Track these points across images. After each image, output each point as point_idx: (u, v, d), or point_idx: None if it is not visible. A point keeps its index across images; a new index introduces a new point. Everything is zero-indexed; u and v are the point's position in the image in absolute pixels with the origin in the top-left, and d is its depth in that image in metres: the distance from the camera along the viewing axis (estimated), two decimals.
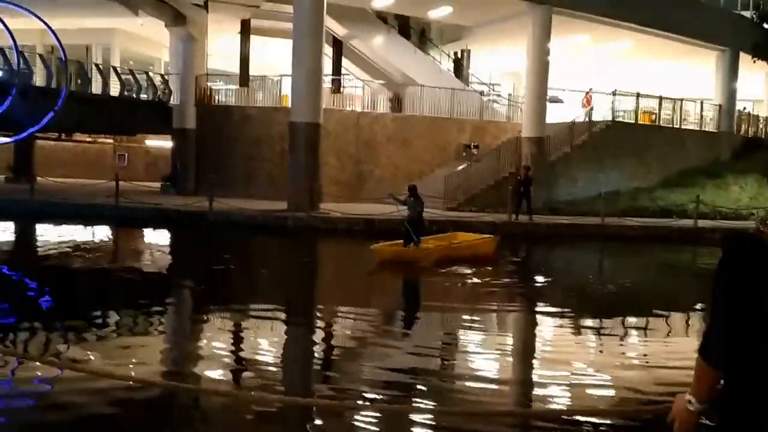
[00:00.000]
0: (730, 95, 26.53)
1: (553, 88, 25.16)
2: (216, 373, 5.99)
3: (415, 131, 22.21)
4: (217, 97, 24.39)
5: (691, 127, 25.70)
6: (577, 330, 8.50)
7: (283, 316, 8.63)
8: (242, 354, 6.91)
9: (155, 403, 5.01)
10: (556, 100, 30.61)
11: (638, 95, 24.05)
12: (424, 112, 22.74)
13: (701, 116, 26.11)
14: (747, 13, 28.24)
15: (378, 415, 4.83)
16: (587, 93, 23.62)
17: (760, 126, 29.60)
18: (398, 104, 24.51)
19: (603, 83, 27.27)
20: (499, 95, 27.59)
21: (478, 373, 6.25)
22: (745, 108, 29.49)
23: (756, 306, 1.72)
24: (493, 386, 5.95)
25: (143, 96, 23.81)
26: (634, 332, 8.50)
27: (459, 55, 26.87)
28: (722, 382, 1.81)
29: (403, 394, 5.44)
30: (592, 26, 21.96)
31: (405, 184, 14.21)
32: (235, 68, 26.03)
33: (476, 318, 8.74)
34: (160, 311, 8.65)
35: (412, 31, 26.99)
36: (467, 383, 5.89)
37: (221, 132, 21.74)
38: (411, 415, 4.90)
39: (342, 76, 26.02)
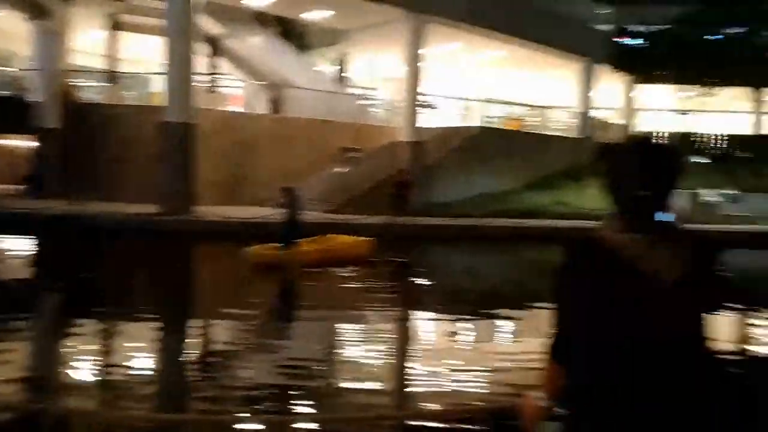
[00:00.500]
0: (589, 103, 28.48)
1: (430, 94, 25.90)
2: (74, 389, 5.67)
3: (294, 133, 22.08)
4: (83, 95, 23.04)
5: (554, 133, 27.31)
6: (452, 328, 8.78)
7: (151, 324, 8.29)
8: (104, 366, 6.58)
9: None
10: (432, 106, 31.49)
11: (508, 102, 25.26)
12: (304, 114, 22.67)
13: (563, 123, 27.85)
14: (605, 27, 30.47)
15: (258, 427, 4.75)
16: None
17: (614, 132, 31.96)
18: (278, 106, 24.27)
19: (478, 90, 28.48)
20: (377, 99, 28.03)
21: (356, 378, 6.31)
22: (603, 116, 31.78)
23: (590, 302, 1.81)
24: (373, 389, 6.02)
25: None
26: (507, 328, 8.89)
27: (339, 59, 27.06)
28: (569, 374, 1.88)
29: (280, 403, 5.39)
30: (465, 35, 22.78)
31: (283, 187, 14.07)
32: (103, 65, 24.74)
33: (351, 321, 8.82)
34: (11, 322, 8.02)
35: (292, 33, 26.85)
36: (346, 387, 5.92)
37: (88, 131, 20.53)
38: (292, 425, 4.85)
39: (219, 76, 25.41)
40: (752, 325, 10.00)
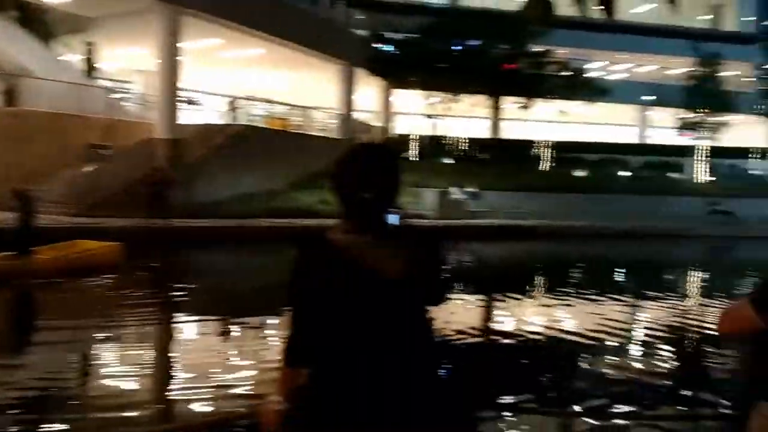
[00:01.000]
0: (349, 105, 29.68)
1: (190, 90, 24.96)
2: None
3: (34, 128, 19.86)
4: None
5: (317, 133, 28.00)
6: (215, 334, 8.53)
7: None
8: None
9: None
10: (193, 102, 30.39)
11: (271, 101, 25.29)
12: (46, 107, 20.49)
13: (325, 124, 28.69)
14: (363, 33, 31.97)
15: None
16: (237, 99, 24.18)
17: (374, 134, 33.74)
18: (13, 98, 21.63)
19: (241, 88, 28.08)
20: (132, 93, 26.36)
21: (101, 394, 5.84)
22: (364, 118, 33.33)
23: (317, 303, 1.86)
24: (121, 404, 5.60)
25: None
26: (260, 332, 8.84)
27: (87, 49, 24.91)
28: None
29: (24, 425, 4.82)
30: (224, 31, 22.32)
31: (15, 189, 12.54)
32: None
33: (96, 332, 8.16)
34: None
35: (32, 19, 24.10)
36: (102, 404, 5.46)
37: None
38: None
39: None
40: (490, 309, 11.13)
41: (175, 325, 9.06)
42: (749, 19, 47.44)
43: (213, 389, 5.95)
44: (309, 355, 1.88)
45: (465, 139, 33.85)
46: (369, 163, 1.94)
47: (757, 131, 36.94)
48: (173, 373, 6.75)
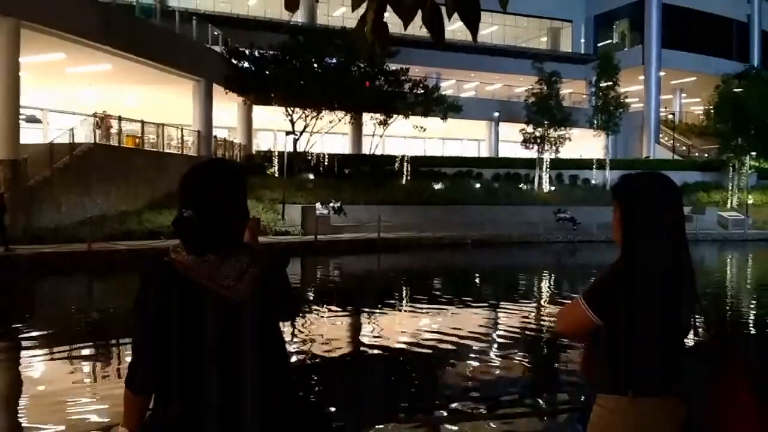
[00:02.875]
0: (207, 122, 28.92)
1: (32, 107, 23.20)
2: None
3: None
4: None
5: (174, 151, 27.01)
6: (56, 365, 7.94)
7: None
8: None
9: None
10: (35, 120, 28.29)
11: (120, 118, 24.06)
12: None
13: (182, 141, 27.75)
14: (218, 48, 31.32)
15: None
16: (104, 117, 22.83)
17: (236, 151, 33.11)
18: None
19: (89, 104, 26.50)
20: None
21: None
22: (224, 135, 32.57)
23: (164, 327, 1.78)
24: None
25: None
26: (113, 359, 8.37)
27: None
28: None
29: None
30: (67, 45, 20.98)
31: None
32: None
33: None
34: None
35: None
36: None
37: None
38: None
39: None
40: (356, 321, 11.24)
41: (13, 357, 8.35)
42: (583, 41, 51.84)
43: (65, 421, 5.56)
44: (154, 382, 1.81)
45: (328, 154, 34.08)
46: (192, 181, 1.87)
47: (593, 144, 40.22)
48: (22, 406, 6.21)
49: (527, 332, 10.00)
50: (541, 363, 8.16)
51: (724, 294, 15.21)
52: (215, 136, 30.63)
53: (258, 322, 1.86)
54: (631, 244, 2.06)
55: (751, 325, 11.00)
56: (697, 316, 2.13)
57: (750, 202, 36.97)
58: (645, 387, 2.04)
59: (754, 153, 38.45)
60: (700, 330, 2.17)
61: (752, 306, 13.36)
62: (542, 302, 13.61)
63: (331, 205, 26.41)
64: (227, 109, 32.02)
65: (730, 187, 37.89)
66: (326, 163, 33.74)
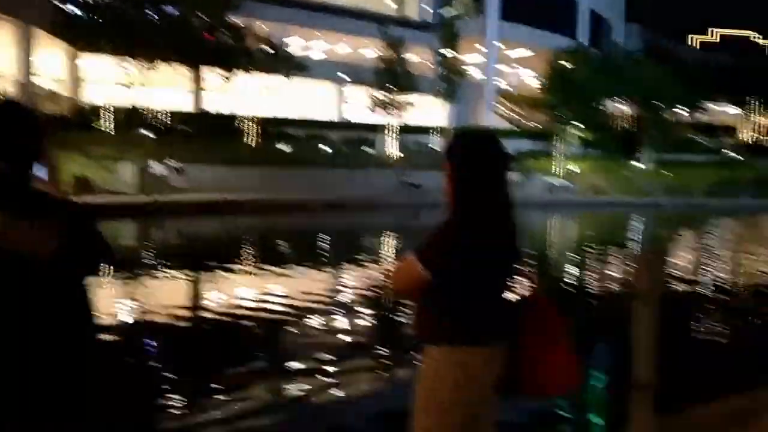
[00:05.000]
0: (27, 71, 26.27)
1: None
2: None
3: None
4: None
5: None
6: None
7: None
8: None
9: None
10: None
11: None
12: None
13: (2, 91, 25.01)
14: None
15: None
16: None
17: (62, 104, 30.42)
18: None
19: None
20: None
21: None
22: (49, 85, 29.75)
23: None
24: None
25: None
26: None
27: None
28: None
29: None
30: None
31: None
32: None
33: None
34: None
35: None
36: None
37: None
38: None
39: None
40: (197, 286, 10.83)
41: None
42: (428, 8, 52.99)
43: None
44: None
45: (166, 111, 32.27)
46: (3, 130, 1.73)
47: (437, 112, 41.56)
48: None
49: (370, 292, 10.15)
50: (382, 322, 8.32)
51: (547, 254, 16.44)
52: (38, 87, 27.91)
53: (66, 278, 1.75)
54: (460, 200, 2.14)
55: (568, 280, 11.98)
56: (520, 271, 2.25)
57: (575, 169, 40.24)
58: (473, 337, 2.13)
59: (580, 124, 41.71)
60: (523, 283, 2.28)
61: (571, 264, 14.55)
62: (384, 263, 13.92)
63: (171, 164, 25.15)
64: (54, 56, 29.24)
65: (557, 156, 40.89)
66: (166, 120, 31.96)
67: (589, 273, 13.21)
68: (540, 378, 2.18)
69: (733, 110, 60.31)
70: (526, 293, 2.28)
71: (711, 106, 53.14)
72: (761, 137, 60.70)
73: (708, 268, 14.40)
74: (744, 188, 40.95)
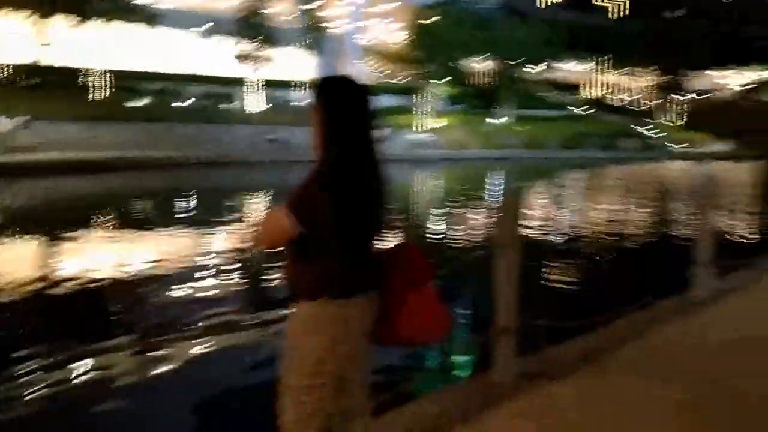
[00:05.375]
0: None
1: None
2: None
3: None
4: None
5: None
6: None
7: None
8: None
9: None
10: None
11: None
12: None
13: None
14: None
15: None
16: None
17: None
18: None
19: None
20: None
21: None
22: None
23: None
24: None
25: None
26: None
27: None
28: None
29: None
30: None
31: None
32: None
33: None
34: None
35: None
36: None
37: None
38: None
39: None
40: (49, 252, 10.09)
41: None
42: None
43: None
44: None
45: (10, 65, 29.30)
46: None
47: (304, 65, 40.81)
48: None
49: (239, 250, 9.93)
50: (254, 281, 8.19)
51: (413, 206, 16.86)
52: None
53: None
54: (329, 147, 2.09)
55: (433, 232, 12.38)
56: (389, 221, 2.24)
57: (440, 124, 41.27)
58: (348, 289, 2.12)
59: (445, 79, 42.63)
60: (391, 234, 2.28)
61: (435, 216, 15.03)
62: (252, 219, 13.65)
63: (14, 119, 23.01)
64: None
65: (421, 111, 41.69)
66: (7, 72, 29.06)
67: (453, 224, 13.71)
68: (412, 326, 2.19)
69: (581, 67, 64.18)
70: (395, 243, 2.27)
71: (563, 63, 56.23)
72: (606, 93, 65.22)
73: (560, 217, 15.41)
74: (593, 141, 44.02)
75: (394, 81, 49.36)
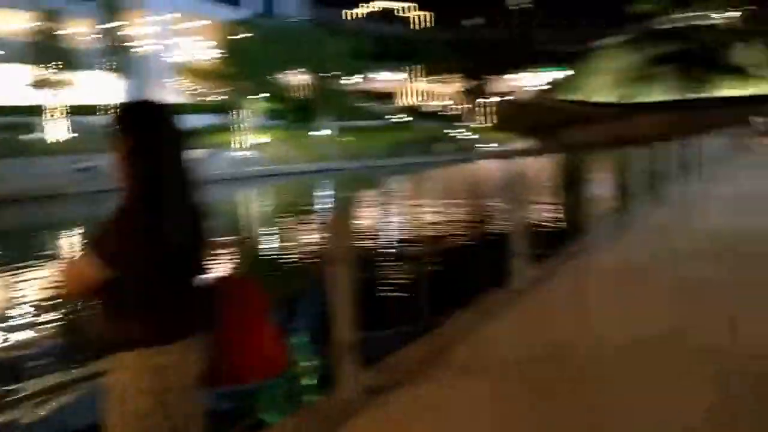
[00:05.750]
0: None
1: None
2: None
3: None
4: None
5: None
6: None
7: None
8: None
9: None
10: None
11: None
12: None
13: None
14: None
15: None
16: None
17: None
18: None
19: None
20: None
21: None
22: None
23: None
24: None
25: None
26: None
27: None
28: None
29: None
30: None
31: None
32: None
33: None
34: None
35: None
36: None
37: None
38: None
39: None
40: None
41: None
42: None
43: None
44: None
45: None
46: None
47: (111, 87, 38.36)
48: None
49: (49, 297, 9.06)
50: (65, 330, 7.51)
51: (240, 229, 16.50)
52: None
53: None
54: (134, 179, 1.89)
55: (264, 253, 12.19)
56: (210, 252, 2.07)
57: (261, 140, 40.84)
58: (166, 335, 1.91)
59: (262, 95, 42.27)
60: (216, 266, 2.13)
61: (266, 237, 14.82)
62: (61, 260, 12.57)
63: None
64: None
65: (241, 128, 41.00)
66: None
67: (285, 242, 13.59)
68: (249, 364, 2.06)
69: (396, 77, 66.84)
70: (221, 275, 2.13)
71: (376, 74, 58.22)
72: (421, 101, 68.52)
73: (387, 224, 15.86)
74: (412, 148, 45.92)
75: (209, 99, 48.03)
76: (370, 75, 54.45)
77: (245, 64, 40.19)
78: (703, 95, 60.96)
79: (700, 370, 3.39)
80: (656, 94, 64.07)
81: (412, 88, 69.35)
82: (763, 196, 10.52)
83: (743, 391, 3.11)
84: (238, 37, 42.00)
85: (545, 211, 15.10)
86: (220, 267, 2.18)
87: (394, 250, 11.71)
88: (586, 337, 4.04)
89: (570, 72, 72.25)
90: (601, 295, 5.05)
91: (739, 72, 62.40)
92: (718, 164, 16.53)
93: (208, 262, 2.05)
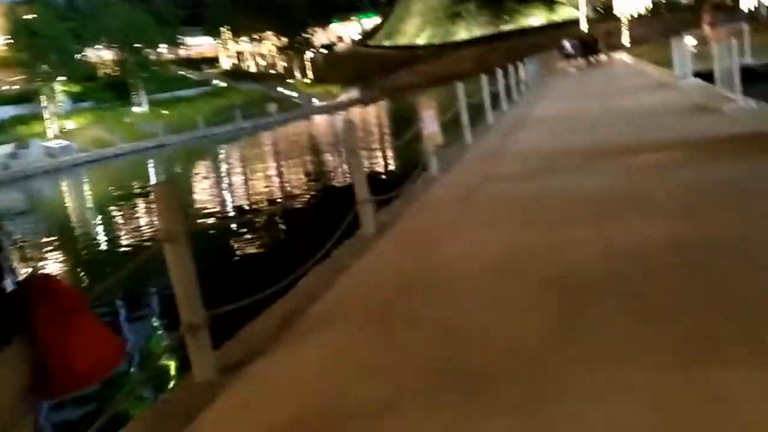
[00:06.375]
0: None
1: None
2: None
3: None
4: None
5: None
6: None
7: None
8: None
9: None
10: None
11: None
12: None
13: None
14: None
15: None
16: None
17: None
18: None
19: None
20: None
21: None
22: None
23: None
24: None
25: None
26: None
27: None
28: None
29: None
30: None
31: None
32: None
33: None
34: None
35: None
36: None
37: None
38: None
39: None
40: None
41: None
42: None
43: None
44: None
45: None
46: None
47: None
48: None
49: None
50: None
51: (65, 223, 15.25)
52: None
53: None
54: None
55: (93, 243, 11.35)
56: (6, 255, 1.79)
57: (71, 127, 37.60)
58: None
59: (62, 78, 38.77)
60: (17, 270, 1.84)
61: (96, 227, 13.79)
62: None
63: None
64: None
65: (47, 116, 37.50)
66: None
67: (119, 229, 12.71)
68: (78, 366, 1.83)
69: (210, 41, 64.00)
70: (26, 278, 1.85)
71: (190, 40, 55.35)
72: (239, 62, 66.28)
73: (227, 194, 15.33)
74: (236, 112, 44.50)
75: (5, 89, 43.38)
76: (188, 42, 51.71)
77: (34, 47, 36.51)
78: (514, 27, 64.49)
79: (539, 277, 3.53)
80: (470, 30, 66.85)
81: (232, 51, 66.93)
82: (566, 116, 11.38)
83: (576, 296, 3.26)
84: (24, 18, 37.94)
85: (384, 157, 15.33)
86: (20, 271, 1.89)
87: (239, 218, 11.34)
88: (438, 269, 4.11)
89: (379, 19, 73.39)
90: (445, 225, 5.17)
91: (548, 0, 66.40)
92: (533, 89, 17.60)
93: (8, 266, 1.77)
